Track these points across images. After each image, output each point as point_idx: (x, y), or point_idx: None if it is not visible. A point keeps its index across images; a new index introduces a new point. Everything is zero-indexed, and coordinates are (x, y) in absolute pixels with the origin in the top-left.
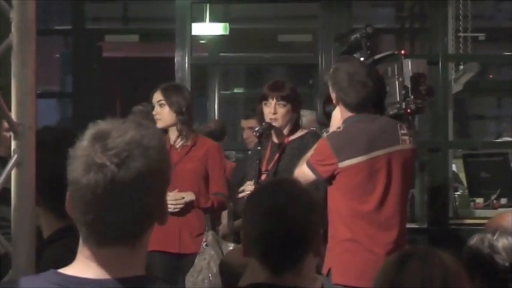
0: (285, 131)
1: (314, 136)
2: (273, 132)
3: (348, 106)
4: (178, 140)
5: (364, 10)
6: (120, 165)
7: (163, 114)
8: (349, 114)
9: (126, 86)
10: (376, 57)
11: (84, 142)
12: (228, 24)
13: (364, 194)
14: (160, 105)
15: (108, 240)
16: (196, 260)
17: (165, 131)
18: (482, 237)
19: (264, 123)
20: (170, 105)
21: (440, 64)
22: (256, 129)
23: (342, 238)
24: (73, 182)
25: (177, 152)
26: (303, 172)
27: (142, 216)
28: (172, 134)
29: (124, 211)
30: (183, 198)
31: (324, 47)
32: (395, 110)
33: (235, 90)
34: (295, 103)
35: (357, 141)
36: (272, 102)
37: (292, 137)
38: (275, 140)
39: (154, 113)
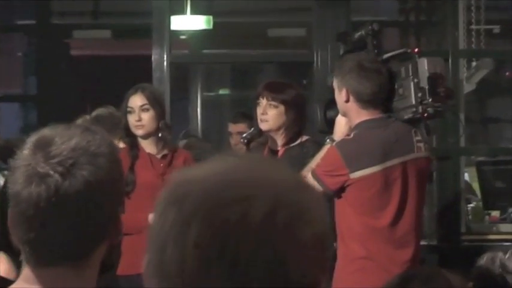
0: (280, 138)
1: (314, 144)
2: (269, 138)
3: (361, 99)
4: (159, 148)
5: (364, 1)
6: (65, 174)
7: (147, 120)
8: (361, 116)
9: (98, 87)
10: (385, 56)
11: (25, 151)
12: (211, 17)
13: (379, 208)
14: (144, 109)
15: (50, 260)
16: None
17: (131, 139)
18: (493, 257)
19: (253, 129)
20: (155, 109)
21: (450, 61)
22: (244, 135)
23: (355, 256)
24: (13, 196)
25: (160, 162)
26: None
27: (90, 233)
28: (150, 143)
29: (70, 227)
30: None
31: (320, 43)
32: (411, 115)
33: (220, 92)
34: (292, 107)
35: (370, 149)
36: (263, 101)
37: (291, 144)
38: (272, 146)
39: (136, 118)
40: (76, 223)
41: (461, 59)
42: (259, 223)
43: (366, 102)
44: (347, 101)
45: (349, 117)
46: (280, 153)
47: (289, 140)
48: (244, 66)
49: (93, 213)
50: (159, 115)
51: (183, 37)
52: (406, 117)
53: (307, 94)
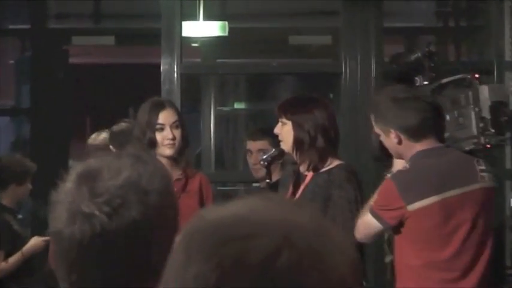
0: (298, 161)
1: (342, 171)
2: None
3: (412, 133)
4: (174, 169)
5: (397, 5)
6: (111, 215)
7: (179, 137)
8: (415, 148)
9: (99, 99)
10: (443, 81)
11: (68, 184)
12: (226, 23)
13: (440, 240)
14: (175, 126)
15: None
16: None
17: None
18: None
19: (273, 150)
20: (182, 126)
21: (495, 73)
22: (264, 157)
23: None
24: (55, 234)
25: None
26: (367, 222)
27: (140, 274)
28: (167, 163)
29: (117, 270)
30: None
31: (348, 51)
32: (473, 146)
33: (235, 106)
34: (299, 124)
35: (426, 179)
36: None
37: (320, 170)
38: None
39: (170, 136)
40: (123, 265)
41: (508, 72)
42: (259, 263)
43: (417, 134)
44: (399, 142)
45: (405, 156)
46: (306, 180)
47: (311, 166)
48: (262, 77)
49: (142, 253)
50: (185, 132)
51: (195, 45)
52: (467, 148)
53: (334, 108)
